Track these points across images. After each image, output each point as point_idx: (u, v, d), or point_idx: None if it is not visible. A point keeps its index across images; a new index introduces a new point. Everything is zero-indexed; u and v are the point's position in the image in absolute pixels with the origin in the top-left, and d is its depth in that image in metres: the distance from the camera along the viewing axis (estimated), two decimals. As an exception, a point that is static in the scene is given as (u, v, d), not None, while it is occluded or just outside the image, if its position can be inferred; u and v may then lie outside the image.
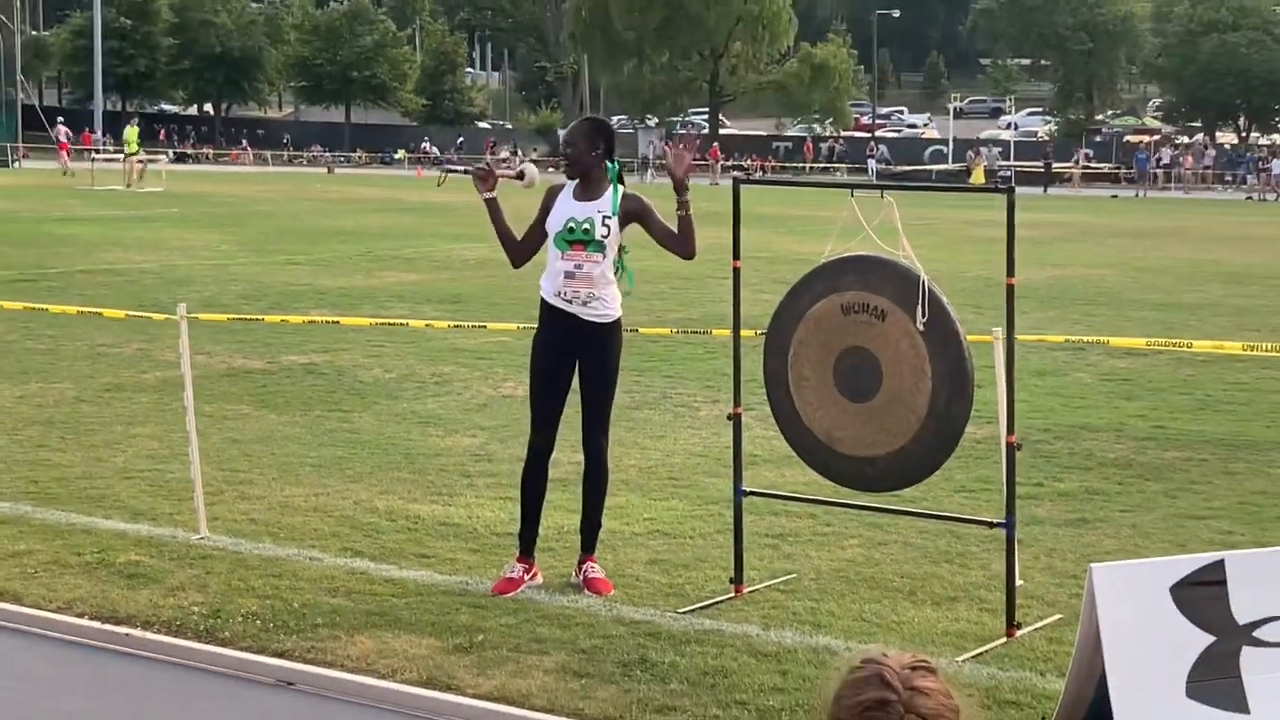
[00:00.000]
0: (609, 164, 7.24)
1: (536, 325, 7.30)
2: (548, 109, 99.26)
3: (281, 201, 43.45)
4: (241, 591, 7.14)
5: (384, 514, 8.62)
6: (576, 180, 7.23)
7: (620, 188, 7.25)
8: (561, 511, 8.45)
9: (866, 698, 2.20)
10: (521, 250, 7.41)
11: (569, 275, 7.10)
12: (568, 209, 7.18)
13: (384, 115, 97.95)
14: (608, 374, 7.25)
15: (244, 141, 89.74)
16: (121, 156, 51.76)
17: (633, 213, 7.21)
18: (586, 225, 7.12)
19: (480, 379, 13.24)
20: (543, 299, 7.24)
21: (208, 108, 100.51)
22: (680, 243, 7.17)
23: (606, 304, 7.15)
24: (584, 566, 7.30)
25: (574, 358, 7.20)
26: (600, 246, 7.12)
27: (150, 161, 51.75)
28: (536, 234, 7.33)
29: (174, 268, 23.27)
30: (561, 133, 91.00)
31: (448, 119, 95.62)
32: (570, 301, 7.12)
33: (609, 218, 7.15)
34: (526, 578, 7.21)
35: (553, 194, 7.28)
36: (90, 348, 14.81)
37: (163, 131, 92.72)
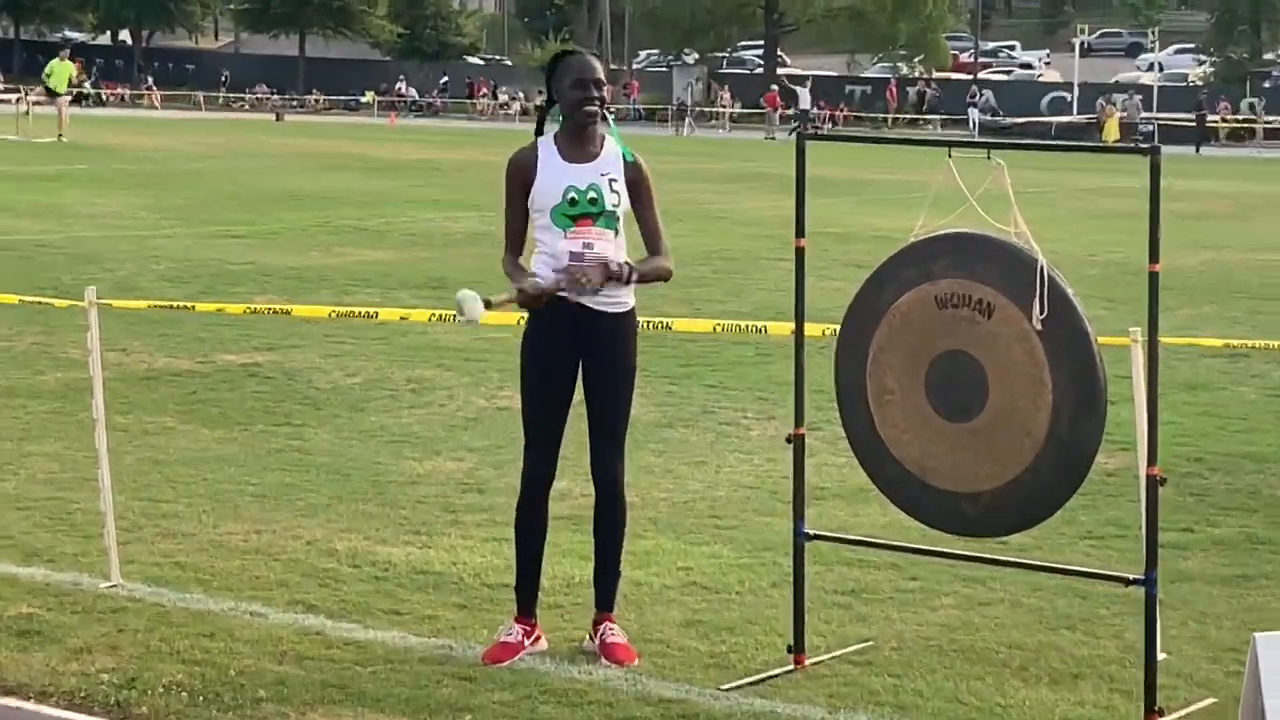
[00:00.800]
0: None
1: (527, 318, 7.31)
2: (557, 40, 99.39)
3: (217, 157, 43.66)
4: (163, 655, 7.16)
5: (345, 558, 8.65)
6: (553, 134, 7.18)
7: (620, 142, 7.24)
8: (571, 558, 8.47)
9: None
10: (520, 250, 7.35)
11: (576, 256, 7.09)
12: (560, 176, 7.11)
13: (348, 48, 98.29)
14: (623, 377, 7.25)
15: (149, 79, 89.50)
16: (40, 97, 51.90)
17: (633, 184, 7.20)
18: (592, 194, 7.09)
19: (469, 386, 13.28)
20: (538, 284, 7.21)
21: (124, 36, 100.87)
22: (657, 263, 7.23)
23: (619, 289, 7.16)
24: (600, 629, 7.31)
25: (577, 358, 7.22)
26: (613, 219, 7.12)
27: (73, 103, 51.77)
28: (521, 223, 7.27)
29: (80, 240, 23.39)
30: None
31: (429, 53, 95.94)
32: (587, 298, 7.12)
33: (616, 180, 7.14)
34: (526, 642, 7.23)
35: (527, 163, 7.18)
36: (-28, 341, 14.90)
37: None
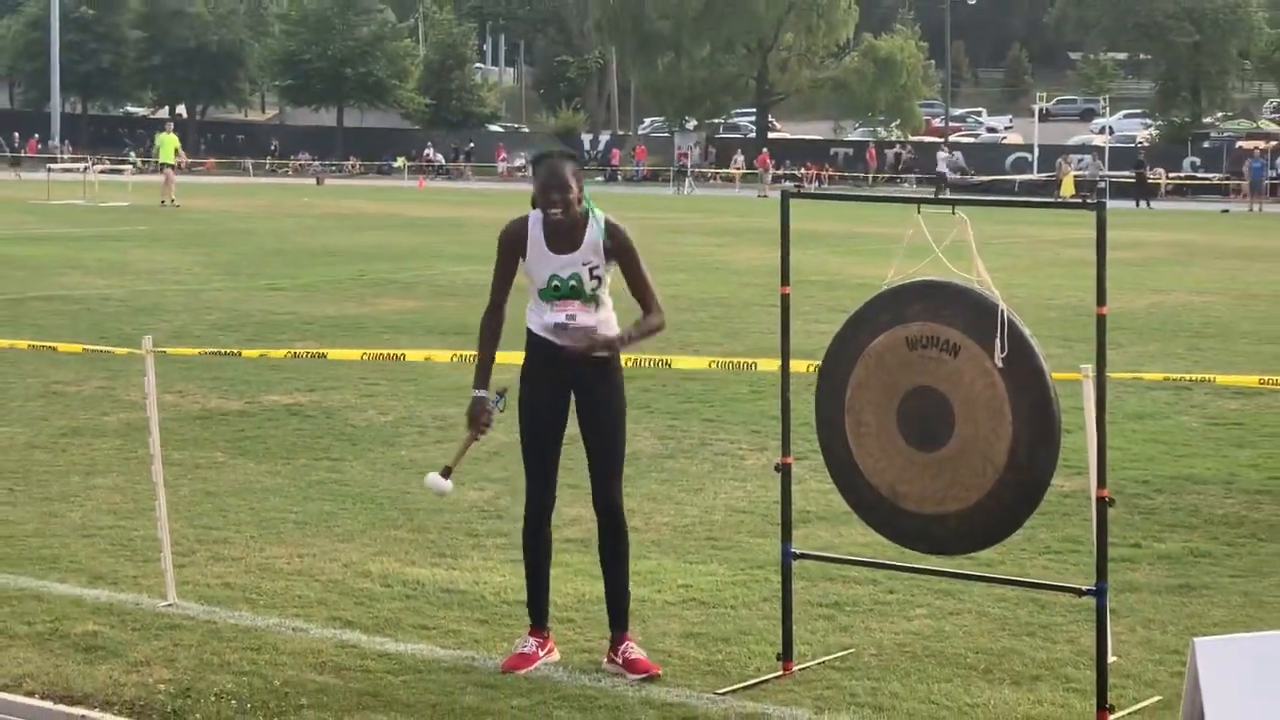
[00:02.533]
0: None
1: (523, 361, 7.31)
2: (569, 109, 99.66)
3: (263, 217, 43.72)
4: (215, 667, 7.17)
5: (378, 578, 8.65)
6: (540, 223, 7.12)
7: (601, 220, 7.15)
8: (582, 576, 8.48)
9: None
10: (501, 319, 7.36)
11: (561, 326, 7.16)
12: (545, 264, 7.13)
13: (381, 118, 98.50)
14: (615, 416, 7.25)
15: (187, 145, 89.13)
16: (148, 166, 51.79)
17: (615, 254, 7.16)
18: (573, 282, 7.13)
19: (490, 422, 13.27)
20: (529, 329, 7.26)
21: (180, 110, 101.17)
22: (645, 316, 7.23)
23: (608, 328, 7.18)
24: (622, 647, 7.24)
25: (568, 397, 7.24)
26: (593, 299, 7.16)
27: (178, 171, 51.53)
28: (506, 286, 7.28)
29: (140, 294, 23.42)
30: (589, 136, 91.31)
31: (455, 121, 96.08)
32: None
33: (597, 268, 7.13)
34: (541, 653, 7.23)
35: (517, 237, 7.16)
36: (44, 386, 14.91)
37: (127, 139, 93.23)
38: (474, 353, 7.44)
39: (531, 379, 7.26)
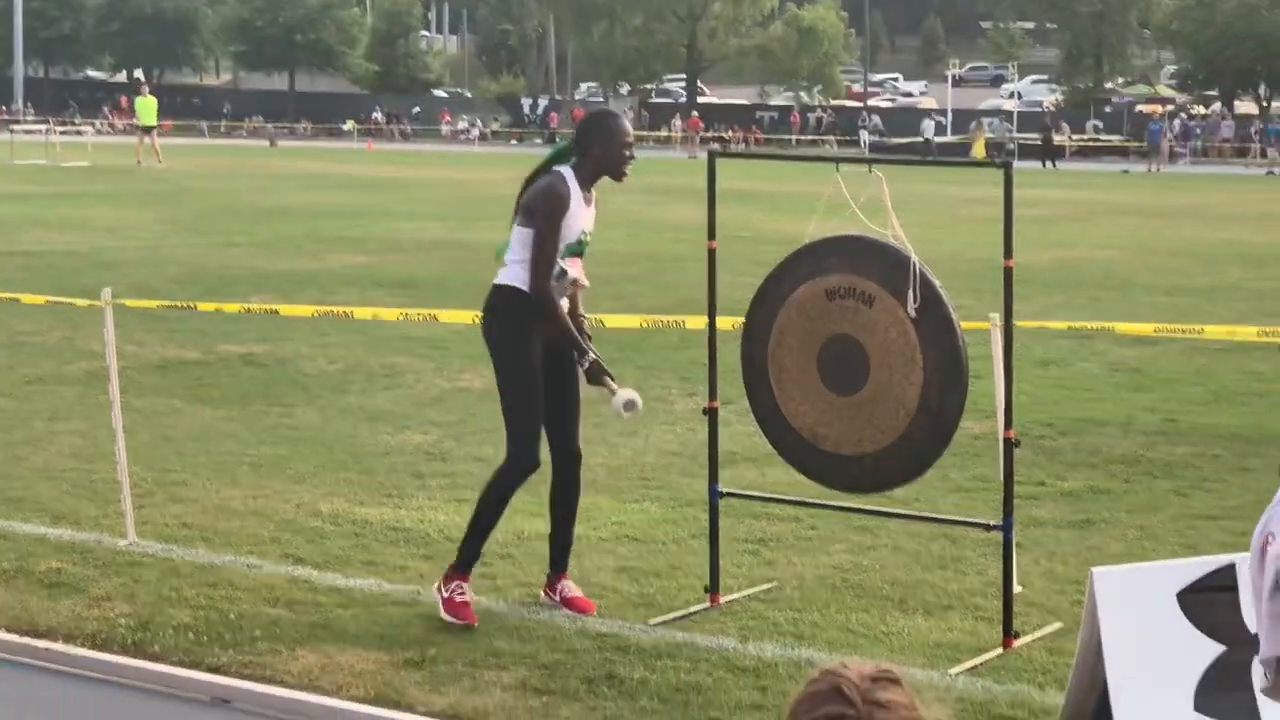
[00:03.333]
0: None
1: (504, 321, 6.95)
2: (510, 76, 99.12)
3: (219, 177, 43.35)
4: (173, 602, 7.14)
5: (328, 518, 8.63)
6: (572, 172, 6.96)
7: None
8: (522, 514, 8.46)
9: (823, 713, 2.22)
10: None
11: (575, 282, 6.98)
12: (580, 218, 6.97)
13: (331, 83, 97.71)
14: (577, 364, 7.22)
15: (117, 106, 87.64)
16: (110, 130, 50.85)
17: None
18: (588, 238, 7.08)
19: (434, 370, 13.25)
20: (525, 293, 6.86)
21: (138, 74, 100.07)
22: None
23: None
24: (560, 585, 7.21)
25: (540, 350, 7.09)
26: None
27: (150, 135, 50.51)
28: (557, 250, 6.91)
29: (101, 250, 23.20)
30: (529, 100, 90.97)
31: (401, 86, 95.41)
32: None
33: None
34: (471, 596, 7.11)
35: (564, 197, 6.90)
36: (8, 337, 14.77)
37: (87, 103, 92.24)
38: (420, 310, 7.31)
39: (524, 337, 6.92)
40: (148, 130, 49.24)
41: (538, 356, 6.95)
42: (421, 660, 6.42)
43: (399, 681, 6.20)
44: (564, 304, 6.99)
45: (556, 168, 7.01)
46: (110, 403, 8.30)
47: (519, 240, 6.93)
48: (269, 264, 21.49)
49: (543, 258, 6.84)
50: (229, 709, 6.13)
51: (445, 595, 6.88)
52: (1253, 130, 66.67)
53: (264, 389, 12.48)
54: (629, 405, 6.85)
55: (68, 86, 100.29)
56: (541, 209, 6.88)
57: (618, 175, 7.02)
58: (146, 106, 49.89)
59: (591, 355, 6.96)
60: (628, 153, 6.97)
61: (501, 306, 6.97)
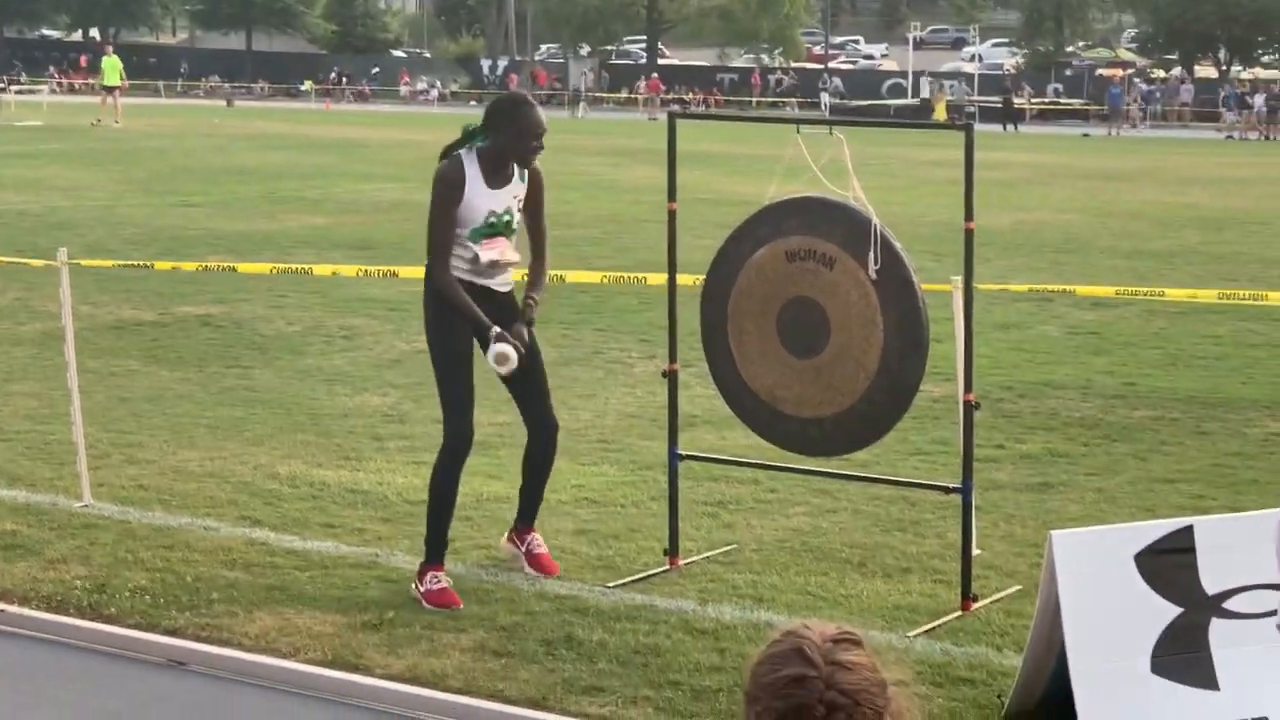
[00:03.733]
0: None
1: (429, 304, 6.94)
2: (469, 36, 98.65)
3: (175, 137, 43.06)
4: (129, 564, 7.11)
5: (286, 480, 8.60)
6: (475, 154, 6.88)
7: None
8: (480, 477, 8.47)
9: (784, 674, 2.22)
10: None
11: (494, 264, 6.91)
12: (483, 200, 6.88)
13: (289, 42, 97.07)
14: (535, 340, 7.14)
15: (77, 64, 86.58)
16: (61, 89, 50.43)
17: (531, 192, 7.02)
18: (506, 217, 6.95)
19: (393, 332, 13.21)
20: (451, 278, 6.87)
21: (94, 33, 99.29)
22: (537, 262, 7.05)
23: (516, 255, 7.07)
24: (528, 539, 7.19)
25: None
26: (513, 231, 7.01)
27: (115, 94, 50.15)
28: (451, 233, 6.89)
29: (56, 209, 23.03)
30: (489, 61, 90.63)
31: (359, 47, 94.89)
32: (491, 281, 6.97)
33: (519, 198, 6.98)
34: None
35: (458, 182, 6.85)
36: (-38, 297, 14.66)
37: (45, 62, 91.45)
38: (381, 267, 7.27)
39: (452, 321, 6.90)
40: (110, 90, 48.89)
41: (463, 335, 6.90)
42: (379, 623, 6.41)
43: (356, 644, 6.20)
44: (500, 284, 6.92)
45: (458, 150, 6.94)
46: (66, 364, 8.26)
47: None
48: (226, 225, 21.38)
49: (431, 243, 6.86)
50: (185, 671, 6.11)
51: (422, 590, 6.76)
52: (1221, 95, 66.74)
53: (221, 350, 12.42)
54: (499, 359, 6.79)
55: (23, 46, 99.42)
56: (432, 194, 6.90)
57: (524, 163, 6.95)
58: (111, 66, 49.57)
59: (493, 334, 6.82)
60: (535, 143, 6.88)
61: (430, 290, 6.97)
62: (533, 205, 7.04)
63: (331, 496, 8.29)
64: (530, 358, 7.03)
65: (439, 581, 6.78)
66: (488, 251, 6.88)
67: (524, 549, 7.18)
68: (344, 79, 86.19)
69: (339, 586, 6.85)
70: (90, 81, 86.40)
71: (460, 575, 7.02)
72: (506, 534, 7.33)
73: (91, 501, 8.04)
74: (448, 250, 6.87)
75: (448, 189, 6.84)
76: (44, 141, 39.23)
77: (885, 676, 2.26)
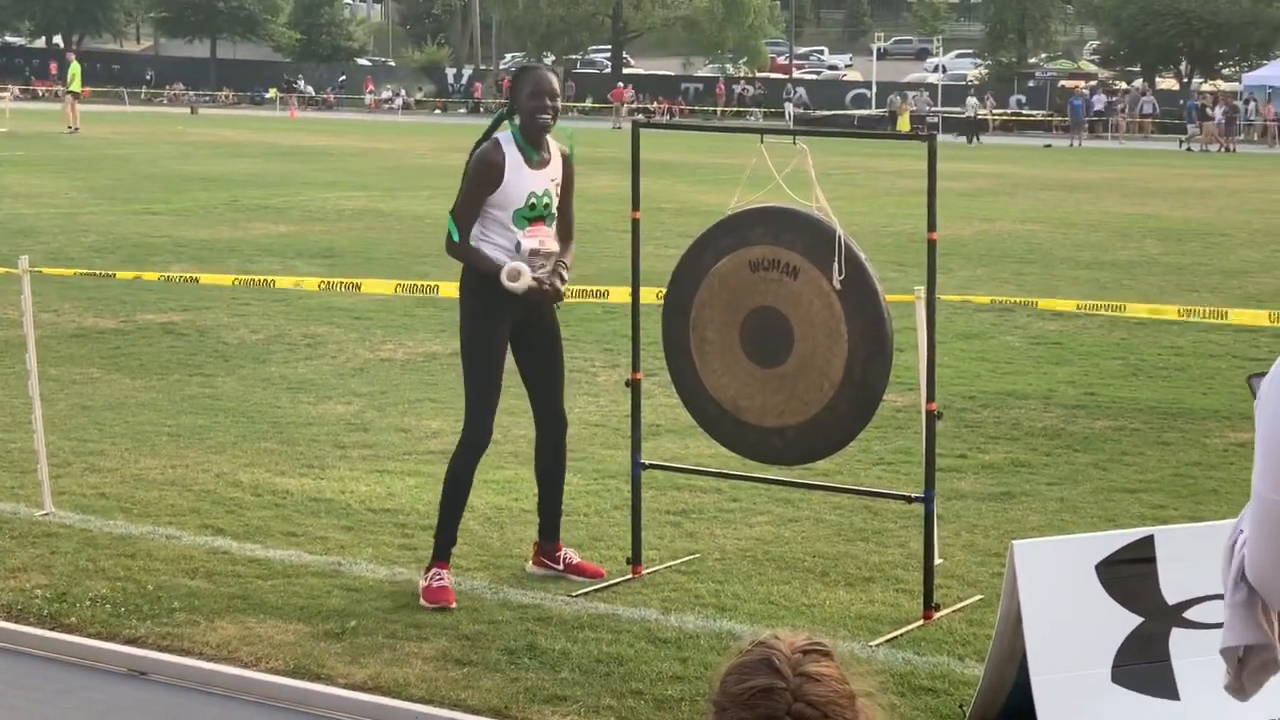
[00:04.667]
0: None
1: (468, 298, 6.90)
2: (434, 45, 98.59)
3: (139, 144, 42.89)
4: (90, 573, 7.06)
5: (248, 488, 8.57)
6: (511, 136, 6.86)
7: (565, 142, 7.03)
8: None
9: (752, 684, 2.22)
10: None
11: (535, 253, 6.88)
12: (525, 181, 6.84)
13: (254, 50, 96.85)
14: (559, 334, 7.19)
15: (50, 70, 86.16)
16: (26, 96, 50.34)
17: (566, 179, 7.03)
18: (546, 199, 6.92)
19: (356, 341, 13.17)
20: (472, 245, 6.87)
21: (57, 40, 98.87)
22: (565, 242, 7.07)
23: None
24: (562, 554, 7.22)
25: (509, 331, 7.00)
26: (553, 217, 6.99)
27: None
28: (478, 213, 6.88)
29: (18, 216, 22.91)
30: (453, 70, 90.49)
31: (324, 55, 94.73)
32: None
33: (558, 182, 6.98)
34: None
35: (497, 163, 6.80)
36: (-77, 304, 14.56)
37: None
38: (343, 279, 7.26)
39: (491, 316, 6.88)
40: (75, 95, 48.82)
41: (495, 332, 6.90)
42: (342, 631, 6.39)
43: (319, 653, 6.17)
44: (529, 277, 6.83)
45: (496, 134, 6.94)
46: (27, 372, 8.20)
47: (487, 223, 6.90)
48: (189, 232, 21.29)
49: (459, 214, 6.87)
50: (146, 681, 6.08)
51: (424, 584, 6.76)
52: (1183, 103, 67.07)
53: (184, 358, 12.36)
54: (512, 274, 6.76)
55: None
56: (467, 174, 6.89)
57: (532, 129, 6.89)
58: (75, 72, 49.58)
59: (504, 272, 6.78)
60: (541, 103, 6.85)
61: (464, 281, 6.97)
62: (566, 193, 7.04)
63: (294, 505, 8.26)
64: (551, 348, 7.10)
65: (440, 579, 6.77)
66: (529, 239, 6.87)
67: (561, 565, 7.18)
68: (290, 86, 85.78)
69: (301, 595, 6.82)
70: (55, 88, 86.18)
71: (421, 584, 7.00)
72: (532, 558, 7.28)
73: (52, 510, 7.99)
74: (470, 227, 6.86)
75: (486, 167, 6.82)
76: (7, 148, 39.02)
77: (854, 688, 2.25)
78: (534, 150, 6.90)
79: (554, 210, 6.96)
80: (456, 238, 6.92)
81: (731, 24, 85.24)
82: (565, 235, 7.09)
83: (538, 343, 7.10)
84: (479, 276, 6.88)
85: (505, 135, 6.91)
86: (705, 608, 6.77)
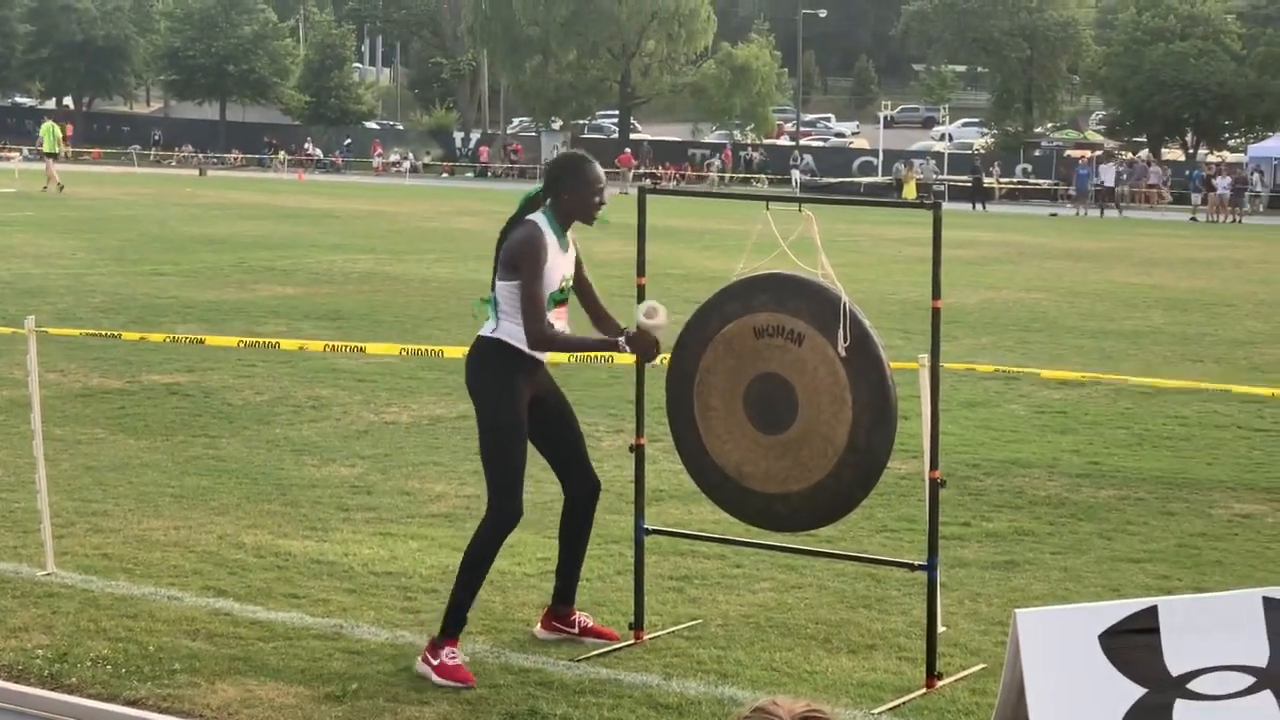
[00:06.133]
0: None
1: (487, 374, 6.91)
2: (442, 109, 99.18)
3: (148, 205, 43.07)
4: (91, 633, 7.06)
5: (251, 550, 8.56)
6: (546, 220, 6.91)
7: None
8: (445, 550, 8.47)
9: None
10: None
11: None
12: (559, 266, 6.92)
13: (263, 113, 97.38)
14: (568, 400, 7.24)
15: (28, 132, 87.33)
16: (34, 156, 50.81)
17: (579, 260, 7.14)
18: (569, 284, 7.03)
19: (361, 403, 13.18)
20: (513, 347, 6.86)
21: (68, 101, 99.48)
22: (597, 315, 7.14)
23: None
24: (578, 618, 7.23)
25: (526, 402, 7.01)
26: (567, 300, 7.07)
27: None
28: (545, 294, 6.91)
29: (26, 276, 22.98)
30: (461, 134, 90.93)
31: (333, 118, 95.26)
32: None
33: (577, 262, 7.11)
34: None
35: (546, 243, 6.88)
36: (-71, 363, 14.59)
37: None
38: (347, 342, 7.29)
39: (513, 390, 6.88)
40: (51, 156, 49.18)
41: (523, 409, 6.92)
42: (343, 694, 6.37)
43: (319, 716, 6.15)
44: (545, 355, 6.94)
45: (530, 216, 6.96)
46: (32, 432, 8.21)
47: (505, 295, 6.88)
48: (196, 294, 21.36)
49: (533, 306, 6.80)
50: (146, 743, 6.06)
51: (435, 663, 6.65)
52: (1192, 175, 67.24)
53: (188, 419, 12.38)
54: (649, 312, 6.80)
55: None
56: (524, 258, 6.83)
57: (588, 218, 7.00)
58: (48, 132, 49.95)
59: (623, 338, 6.90)
60: (598, 198, 6.95)
61: (486, 358, 6.93)
62: (580, 270, 7.13)
63: (297, 567, 8.25)
64: (567, 414, 7.16)
65: (455, 657, 6.68)
66: (557, 321, 6.94)
67: (576, 629, 7.18)
68: (270, 146, 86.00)
69: (303, 658, 6.81)
70: (66, 149, 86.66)
71: (423, 647, 6.98)
72: (541, 621, 7.28)
73: (55, 570, 7.99)
74: (545, 312, 6.84)
75: (540, 250, 6.83)
76: (16, 209, 39.19)
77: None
78: (564, 234, 6.97)
79: (570, 292, 7.04)
80: (528, 339, 6.85)
81: (739, 91, 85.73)
82: (603, 308, 7.17)
83: (554, 412, 7.14)
84: (495, 352, 6.87)
85: (540, 217, 6.95)
86: (707, 674, 6.75)
